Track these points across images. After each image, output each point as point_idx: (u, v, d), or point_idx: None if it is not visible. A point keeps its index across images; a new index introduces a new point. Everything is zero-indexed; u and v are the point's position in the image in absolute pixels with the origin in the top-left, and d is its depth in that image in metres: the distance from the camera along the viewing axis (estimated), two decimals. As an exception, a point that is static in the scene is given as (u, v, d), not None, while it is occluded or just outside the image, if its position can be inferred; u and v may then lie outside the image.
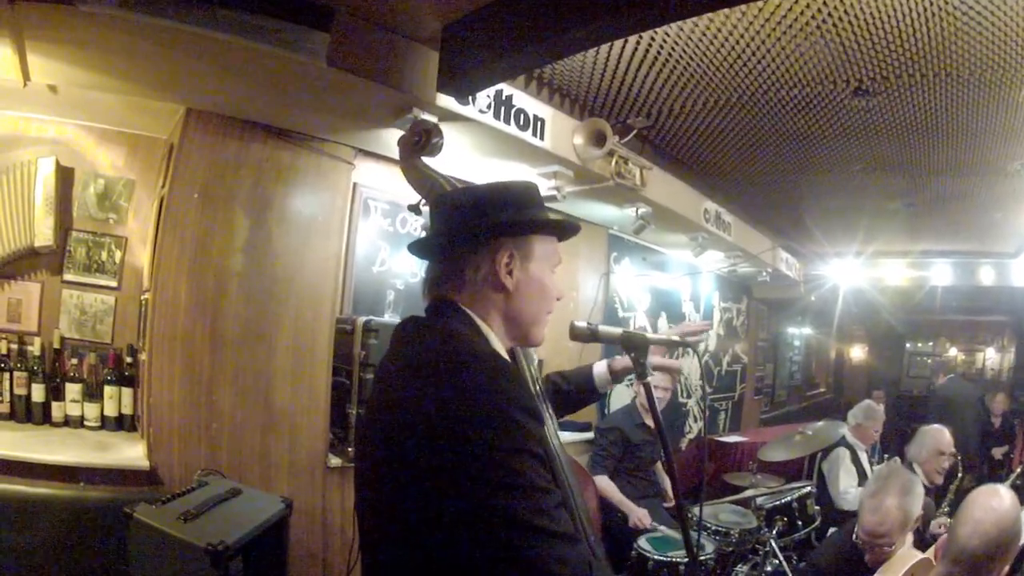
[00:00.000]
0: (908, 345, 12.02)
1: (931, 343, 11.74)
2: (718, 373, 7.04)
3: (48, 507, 2.31)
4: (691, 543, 1.68)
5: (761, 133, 3.67)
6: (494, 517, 1.03)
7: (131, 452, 2.66)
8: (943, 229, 5.65)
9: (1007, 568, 1.72)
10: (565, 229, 1.39)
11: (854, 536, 2.44)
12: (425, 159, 2.06)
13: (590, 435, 4.50)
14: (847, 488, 3.99)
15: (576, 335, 1.64)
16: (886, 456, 4.73)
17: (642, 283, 5.56)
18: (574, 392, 1.90)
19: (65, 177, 2.88)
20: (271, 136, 2.99)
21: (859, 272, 6.77)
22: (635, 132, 3.71)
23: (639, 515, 3.77)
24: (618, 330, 1.61)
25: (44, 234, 2.77)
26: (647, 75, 3.04)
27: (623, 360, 1.79)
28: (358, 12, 2.34)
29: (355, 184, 3.40)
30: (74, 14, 1.91)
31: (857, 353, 12.68)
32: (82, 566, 2.30)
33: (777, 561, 3.47)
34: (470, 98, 2.78)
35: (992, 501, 1.80)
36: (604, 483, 3.94)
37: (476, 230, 1.30)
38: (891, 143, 3.65)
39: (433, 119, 2.71)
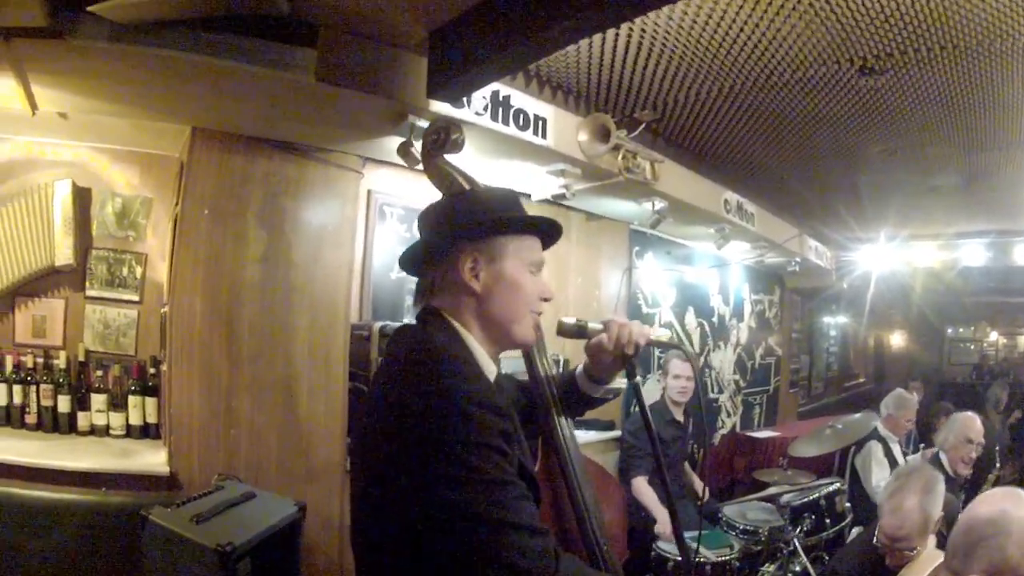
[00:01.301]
0: (950, 331, 11.57)
1: (972, 328, 11.27)
2: (751, 367, 6.90)
3: (71, 511, 2.44)
4: (686, 547, 1.64)
5: (771, 119, 3.60)
6: (450, 510, 1.07)
7: (153, 458, 2.76)
8: (973, 208, 5.42)
9: None
10: (535, 227, 1.40)
11: (874, 539, 2.32)
12: (448, 156, 2.08)
13: (615, 434, 4.43)
14: (879, 482, 3.87)
15: (562, 332, 1.60)
16: (922, 446, 4.59)
17: (667, 278, 5.50)
18: (566, 396, 1.74)
19: (82, 198, 3.00)
20: (276, 150, 3.06)
21: (891, 257, 6.57)
22: (643, 126, 3.69)
23: (661, 529, 3.71)
24: (601, 325, 1.57)
25: (64, 253, 2.90)
26: (645, 67, 3.02)
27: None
28: (344, 26, 2.39)
29: (370, 191, 3.46)
30: (67, 47, 2.01)
31: (897, 340, 12.23)
32: (103, 567, 2.42)
33: (805, 561, 3.38)
34: (465, 101, 2.81)
35: (988, 500, 1.63)
36: (641, 486, 3.85)
37: (438, 238, 1.36)
38: (907, 123, 3.54)
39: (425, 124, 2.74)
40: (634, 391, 1.57)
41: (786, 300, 7.67)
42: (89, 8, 1.83)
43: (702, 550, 3.33)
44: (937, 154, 3.98)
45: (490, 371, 1.34)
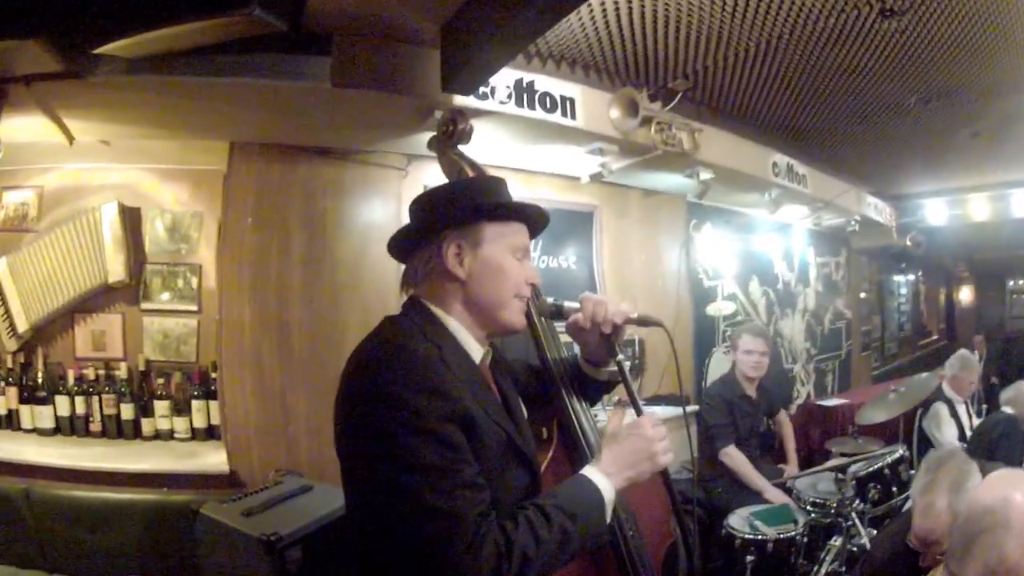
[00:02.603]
0: (1010, 283, 10.81)
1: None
2: (821, 332, 6.61)
3: (134, 510, 2.63)
4: (690, 545, 1.56)
5: (805, 75, 3.50)
6: (386, 490, 1.14)
7: (215, 459, 2.90)
8: (1016, 154, 5.08)
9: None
10: (519, 213, 1.40)
11: (908, 539, 2.13)
12: (461, 147, 2.08)
13: (691, 408, 4.19)
14: (950, 440, 3.72)
15: (542, 312, 1.59)
16: (984, 407, 4.36)
17: (728, 248, 5.32)
18: (574, 380, 1.65)
19: (132, 217, 3.13)
20: (314, 156, 3.14)
21: (946, 210, 6.27)
22: (680, 95, 3.60)
23: (773, 495, 3.63)
24: (577, 304, 1.51)
25: (116, 271, 3.04)
26: (667, 34, 2.97)
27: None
28: (356, 31, 2.41)
29: (425, 186, 3.47)
30: (87, 84, 2.09)
31: (965, 295, 11.58)
32: (165, 558, 2.61)
33: (863, 533, 3.24)
34: (489, 91, 2.81)
35: (992, 484, 1.45)
36: (733, 452, 3.78)
37: (422, 227, 1.38)
38: (938, 67, 3.38)
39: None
40: (618, 368, 1.53)
41: (853, 261, 7.31)
42: (94, 51, 1.90)
43: (762, 527, 3.25)
44: (971, 99, 3.77)
45: (475, 353, 1.35)
